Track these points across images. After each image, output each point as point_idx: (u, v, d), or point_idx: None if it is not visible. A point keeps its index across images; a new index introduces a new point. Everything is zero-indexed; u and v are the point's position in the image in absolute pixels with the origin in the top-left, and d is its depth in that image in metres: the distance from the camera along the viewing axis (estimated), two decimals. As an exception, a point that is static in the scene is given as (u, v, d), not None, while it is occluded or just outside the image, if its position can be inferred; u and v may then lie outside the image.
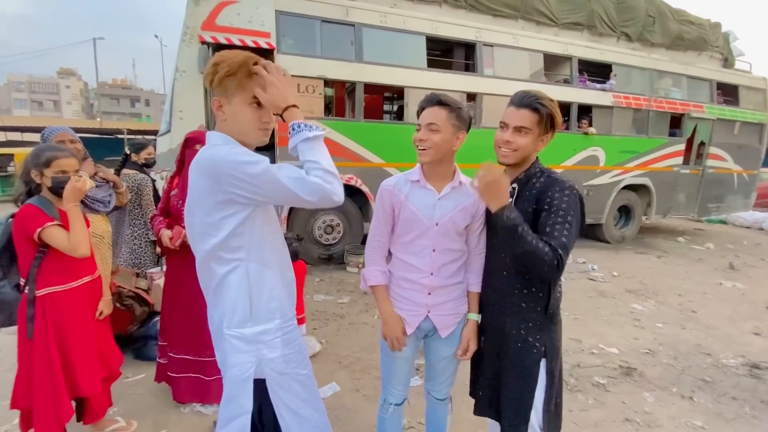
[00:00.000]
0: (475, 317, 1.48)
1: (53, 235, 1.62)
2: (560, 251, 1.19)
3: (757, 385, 2.71)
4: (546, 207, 1.26)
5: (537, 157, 1.39)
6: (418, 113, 1.39)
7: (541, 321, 1.35)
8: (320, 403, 1.28)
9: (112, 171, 3.05)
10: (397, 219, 1.45)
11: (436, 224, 1.39)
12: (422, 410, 1.71)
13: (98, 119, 26.95)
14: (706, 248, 7.00)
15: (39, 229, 1.59)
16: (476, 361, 1.50)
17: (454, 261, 1.44)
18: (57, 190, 1.67)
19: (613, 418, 2.30)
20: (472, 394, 1.54)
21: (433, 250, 1.41)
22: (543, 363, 1.33)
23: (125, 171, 3.14)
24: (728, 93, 7.60)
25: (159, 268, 3.17)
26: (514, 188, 1.36)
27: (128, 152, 3.23)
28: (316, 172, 1.01)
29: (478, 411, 1.50)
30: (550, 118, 1.31)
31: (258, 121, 1.12)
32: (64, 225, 1.66)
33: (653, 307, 4.15)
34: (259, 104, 1.11)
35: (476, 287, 1.48)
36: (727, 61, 7.91)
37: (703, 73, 7.29)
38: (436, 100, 1.34)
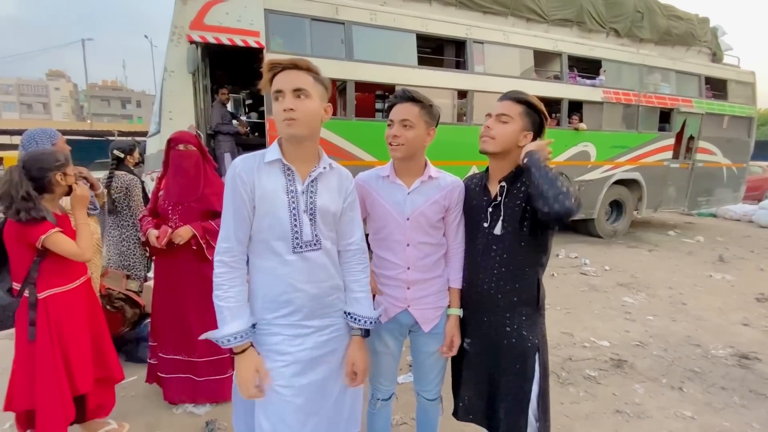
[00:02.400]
0: (457, 312, 1.47)
1: (58, 241, 1.63)
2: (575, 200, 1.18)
3: (746, 375, 2.75)
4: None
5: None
6: (389, 109, 1.39)
7: (533, 314, 1.36)
8: (286, 417, 1.21)
9: (105, 173, 3.04)
10: (370, 214, 1.46)
11: (407, 219, 1.40)
12: (414, 406, 1.72)
13: (89, 121, 26.69)
14: (697, 241, 7.08)
15: (43, 236, 1.59)
16: (461, 366, 1.49)
17: (429, 255, 1.44)
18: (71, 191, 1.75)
19: (603, 410, 2.33)
20: (456, 411, 1.53)
21: (407, 245, 1.42)
22: (536, 356, 1.35)
23: (116, 173, 3.10)
24: (717, 87, 7.68)
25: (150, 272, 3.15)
26: (503, 186, 1.36)
27: (122, 155, 3.18)
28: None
29: (464, 416, 1.49)
30: (534, 113, 1.32)
31: (279, 113, 1.15)
32: (63, 230, 1.67)
33: (644, 300, 4.19)
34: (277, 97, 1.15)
35: (456, 283, 1.48)
36: (716, 56, 8.00)
37: (691, 68, 7.35)
38: (408, 96, 1.34)
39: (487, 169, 1.46)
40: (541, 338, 1.37)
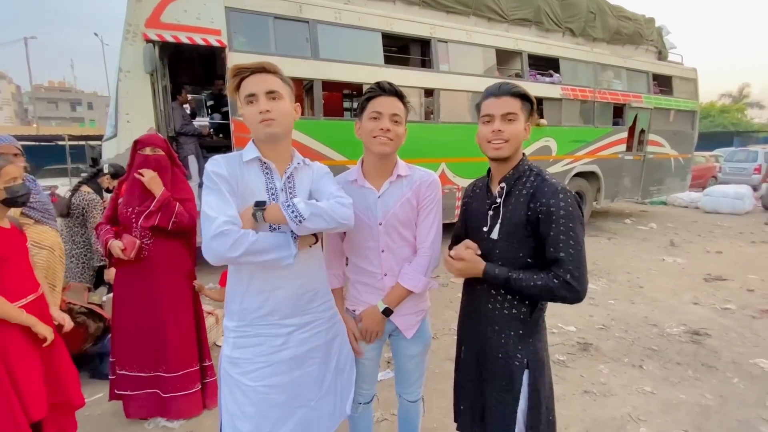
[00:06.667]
0: (381, 307, 1.38)
1: None
2: (570, 276, 1.15)
3: (698, 350, 2.97)
4: (542, 216, 1.16)
5: (524, 153, 1.28)
6: (368, 99, 1.31)
7: (525, 329, 1.24)
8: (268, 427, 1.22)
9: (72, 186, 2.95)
10: None
11: (380, 224, 1.35)
12: (394, 402, 1.74)
13: (34, 125, 24.87)
14: (650, 228, 7.55)
15: None
16: (458, 373, 1.43)
17: (406, 259, 1.40)
18: (13, 201, 1.58)
19: (572, 392, 2.45)
20: (456, 416, 1.44)
21: (382, 251, 1.37)
22: (525, 375, 1.23)
23: (82, 187, 2.97)
24: (663, 83, 8.20)
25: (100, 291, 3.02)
26: (502, 188, 1.24)
27: (106, 171, 3.04)
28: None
29: (460, 425, 1.42)
30: (528, 102, 1.22)
31: (255, 115, 1.15)
32: (5, 243, 1.53)
33: (605, 285, 4.43)
34: (252, 101, 1.15)
35: (403, 281, 1.36)
36: (661, 54, 8.53)
37: (640, 66, 7.81)
38: (395, 91, 1.30)
39: (489, 170, 1.35)
40: (532, 356, 1.24)
